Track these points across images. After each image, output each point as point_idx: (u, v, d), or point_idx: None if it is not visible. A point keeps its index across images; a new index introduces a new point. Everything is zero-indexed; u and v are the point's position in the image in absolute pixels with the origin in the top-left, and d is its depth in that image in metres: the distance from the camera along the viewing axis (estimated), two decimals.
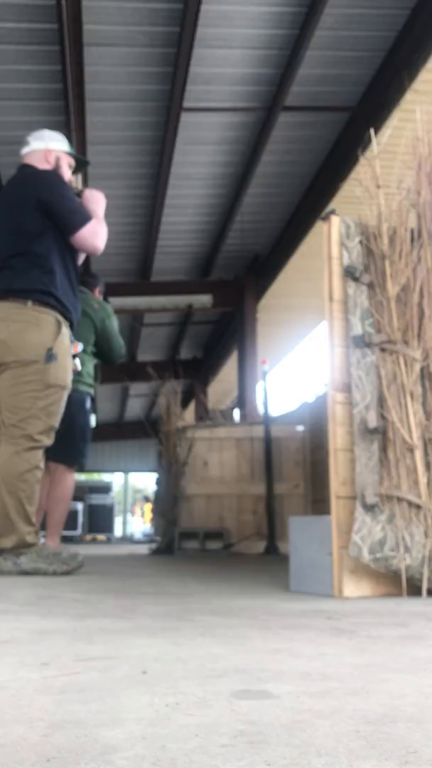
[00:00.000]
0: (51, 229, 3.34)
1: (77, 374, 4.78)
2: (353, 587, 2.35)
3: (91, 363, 4.82)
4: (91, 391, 4.87)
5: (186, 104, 5.75)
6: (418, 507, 2.38)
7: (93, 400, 4.91)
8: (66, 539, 12.28)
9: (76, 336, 4.76)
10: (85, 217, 3.38)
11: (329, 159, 6.70)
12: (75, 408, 4.75)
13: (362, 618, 1.79)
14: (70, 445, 4.74)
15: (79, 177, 6.50)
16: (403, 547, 2.32)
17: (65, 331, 3.38)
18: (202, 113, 5.97)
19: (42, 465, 3.37)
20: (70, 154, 3.63)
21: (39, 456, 3.31)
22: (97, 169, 6.67)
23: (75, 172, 3.67)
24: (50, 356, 3.27)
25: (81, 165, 3.73)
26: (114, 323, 4.86)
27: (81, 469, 4.96)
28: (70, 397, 4.75)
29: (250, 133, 6.32)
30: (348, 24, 5.05)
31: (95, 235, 3.40)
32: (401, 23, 5.05)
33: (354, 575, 2.36)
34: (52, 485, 4.76)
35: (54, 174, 3.48)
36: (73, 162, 3.63)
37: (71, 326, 3.51)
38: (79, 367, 3.76)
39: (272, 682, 1.04)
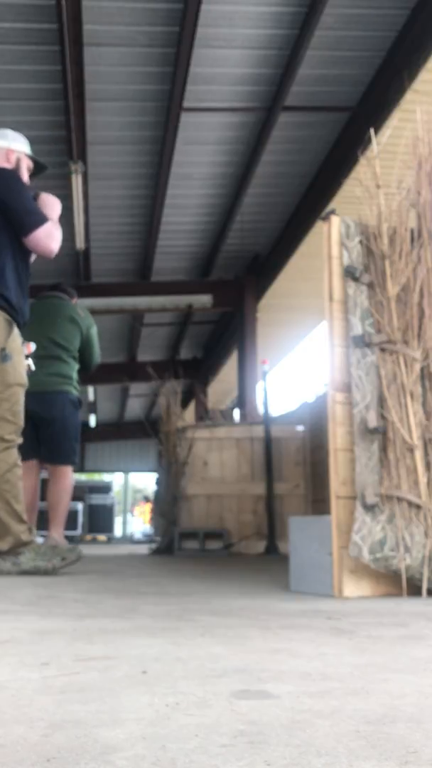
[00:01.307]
0: (5, 229, 3.32)
1: (68, 377, 4.89)
2: (353, 587, 2.36)
3: (76, 368, 4.97)
4: (78, 393, 5.01)
5: (186, 104, 5.75)
6: (418, 507, 2.38)
7: (80, 402, 5.05)
8: (66, 539, 12.27)
9: (64, 341, 4.88)
10: (41, 218, 3.37)
11: (329, 159, 6.70)
12: (68, 410, 4.89)
13: (362, 618, 1.79)
14: (64, 446, 4.87)
15: (79, 177, 6.51)
16: (403, 547, 2.32)
17: (16, 330, 3.37)
18: (202, 113, 5.97)
19: (20, 461, 3.38)
20: (30, 157, 3.62)
21: (15, 453, 3.32)
22: (97, 169, 6.67)
23: (33, 176, 3.65)
24: (5, 356, 3.27)
25: (39, 169, 3.71)
26: (95, 332, 5.08)
27: (76, 468, 5.09)
28: (62, 399, 4.85)
29: (250, 133, 6.32)
30: (348, 24, 5.05)
31: (50, 236, 3.39)
32: (401, 23, 5.05)
33: (354, 575, 2.36)
34: (53, 482, 4.90)
35: (14, 173, 3.46)
36: (32, 165, 3.62)
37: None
38: (33, 367, 3.80)
39: (272, 682, 1.04)
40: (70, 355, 4.94)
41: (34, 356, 4.80)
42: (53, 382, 4.84)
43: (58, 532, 4.79)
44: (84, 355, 5.02)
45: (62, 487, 4.85)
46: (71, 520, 12.16)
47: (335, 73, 5.60)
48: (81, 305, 5.29)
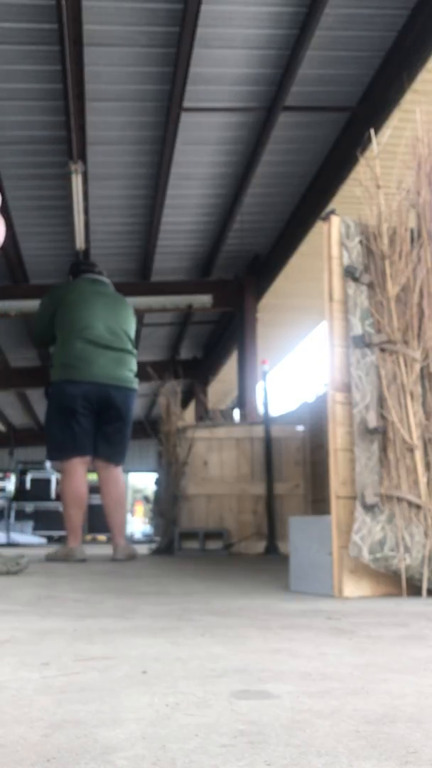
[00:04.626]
0: None
1: (136, 374, 4.94)
2: (353, 587, 2.35)
3: None
4: None
5: (186, 104, 5.74)
6: (418, 507, 2.38)
7: None
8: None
9: (134, 335, 4.92)
10: None
11: (329, 159, 6.69)
12: (134, 406, 4.94)
13: (362, 618, 1.79)
14: (126, 446, 4.90)
15: (79, 177, 6.50)
16: (403, 547, 2.32)
17: None
18: (202, 113, 5.97)
19: None
20: None
21: None
22: (97, 169, 6.67)
23: None
24: None
25: None
26: None
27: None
28: (134, 399, 4.88)
29: (250, 133, 6.32)
30: (348, 24, 5.05)
31: None
32: (401, 23, 5.05)
33: (354, 575, 2.36)
34: (109, 487, 4.91)
35: None
36: None
37: None
38: None
39: (272, 682, 1.04)
40: (135, 350, 5.03)
41: (114, 347, 4.84)
42: (132, 379, 4.91)
43: (122, 541, 4.85)
44: None
45: (121, 493, 4.96)
46: None
47: (335, 73, 5.59)
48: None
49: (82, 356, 4.76)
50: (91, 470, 5.14)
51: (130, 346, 4.93)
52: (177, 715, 0.86)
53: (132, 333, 4.99)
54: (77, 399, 4.75)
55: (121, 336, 4.87)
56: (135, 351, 5.01)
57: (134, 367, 4.97)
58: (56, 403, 4.87)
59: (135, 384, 4.93)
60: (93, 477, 5.46)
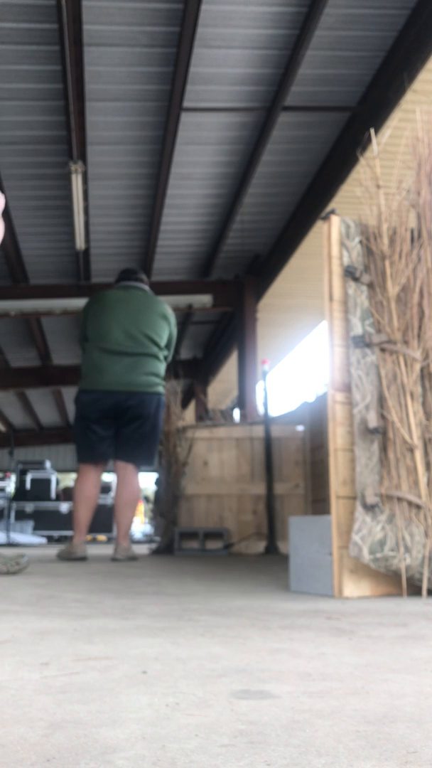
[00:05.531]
0: None
1: (161, 377, 4.91)
2: (353, 587, 2.36)
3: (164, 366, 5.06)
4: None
5: (186, 104, 5.75)
6: (418, 507, 2.38)
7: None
8: (66, 539, 12.27)
9: (159, 338, 4.89)
10: None
11: (329, 159, 6.70)
12: (160, 412, 4.93)
13: (362, 618, 1.79)
14: (152, 448, 4.88)
15: (79, 177, 6.50)
16: (403, 547, 2.32)
17: None
18: (202, 113, 5.97)
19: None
20: None
21: None
22: (97, 169, 6.67)
23: None
24: None
25: None
26: (176, 333, 5.20)
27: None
28: (157, 401, 4.88)
29: (250, 133, 6.32)
30: (348, 24, 5.05)
31: None
32: (401, 23, 5.05)
33: (354, 575, 2.36)
34: (122, 487, 4.89)
35: None
36: None
37: None
38: None
39: (272, 682, 1.04)
40: (162, 353, 4.98)
41: (131, 352, 4.83)
42: (150, 382, 4.87)
43: (126, 542, 4.84)
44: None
45: (134, 495, 4.90)
46: (71, 520, 12.15)
47: (335, 73, 5.59)
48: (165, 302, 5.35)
49: (97, 365, 4.85)
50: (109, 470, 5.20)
51: (153, 349, 4.91)
52: (177, 715, 0.86)
53: (158, 336, 4.95)
54: (90, 408, 4.86)
55: (140, 340, 4.87)
56: (160, 353, 4.96)
57: (155, 368, 4.92)
58: (76, 411, 5.06)
59: (153, 387, 4.88)
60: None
